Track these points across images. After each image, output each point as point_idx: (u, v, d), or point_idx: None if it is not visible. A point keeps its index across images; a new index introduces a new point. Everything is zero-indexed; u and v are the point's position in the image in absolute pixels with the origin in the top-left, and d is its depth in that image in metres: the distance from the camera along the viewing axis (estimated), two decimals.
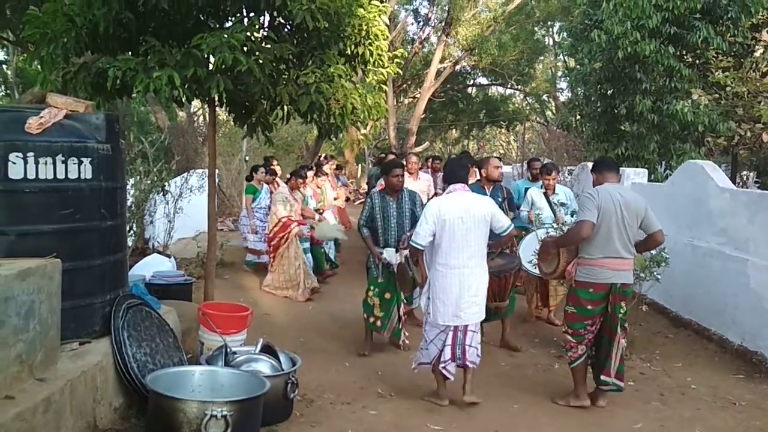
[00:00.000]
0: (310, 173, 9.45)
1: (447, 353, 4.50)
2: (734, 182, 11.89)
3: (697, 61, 11.23)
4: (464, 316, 4.48)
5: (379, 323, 5.73)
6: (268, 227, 8.26)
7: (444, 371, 4.51)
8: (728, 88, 9.24)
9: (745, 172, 13.76)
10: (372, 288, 5.74)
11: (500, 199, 6.14)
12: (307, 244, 8.34)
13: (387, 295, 5.70)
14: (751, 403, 4.83)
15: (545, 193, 7.05)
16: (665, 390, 5.09)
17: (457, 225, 4.42)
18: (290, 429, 4.10)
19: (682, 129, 10.74)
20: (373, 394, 4.84)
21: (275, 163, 10.64)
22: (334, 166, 12.80)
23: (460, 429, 4.28)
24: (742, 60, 10.69)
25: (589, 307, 4.55)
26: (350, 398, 4.72)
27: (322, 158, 13.40)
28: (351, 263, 9.60)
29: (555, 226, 6.44)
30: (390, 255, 5.63)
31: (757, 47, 11.88)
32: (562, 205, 6.91)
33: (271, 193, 9.38)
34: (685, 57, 11.14)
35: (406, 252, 5.39)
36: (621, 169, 9.24)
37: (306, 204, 8.68)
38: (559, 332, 5.63)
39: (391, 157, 9.62)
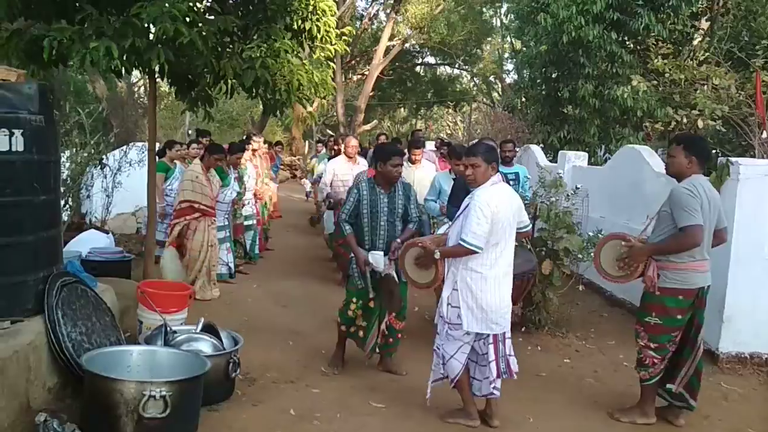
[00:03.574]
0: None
1: (493, 371, 3.93)
2: None
3: (638, 48, 11.54)
4: (503, 323, 3.92)
5: (362, 333, 4.80)
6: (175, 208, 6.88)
7: (495, 391, 3.98)
8: (666, 75, 9.53)
9: None
10: (355, 300, 4.76)
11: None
12: (222, 234, 7.27)
13: (371, 304, 4.77)
14: None
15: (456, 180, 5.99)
16: (599, 367, 5.28)
17: (508, 222, 3.84)
18: (231, 408, 4.07)
19: (622, 114, 11.04)
20: (316, 373, 4.85)
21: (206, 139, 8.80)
22: (259, 143, 9.52)
23: (402, 406, 4.33)
24: (680, 48, 11.03)
25: (679, 316, 4.08)
26: (293, 377, 4.71)
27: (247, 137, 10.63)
28: (289, 248, 9.57)
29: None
30: (377, 260, 4.63)
31: (696, 35, 12.27)
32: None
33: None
34: (627, 43, 11.42)
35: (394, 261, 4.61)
36: (562, 152, 9.52)
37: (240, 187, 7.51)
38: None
39: (356, 141, 8.38)
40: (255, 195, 8.61)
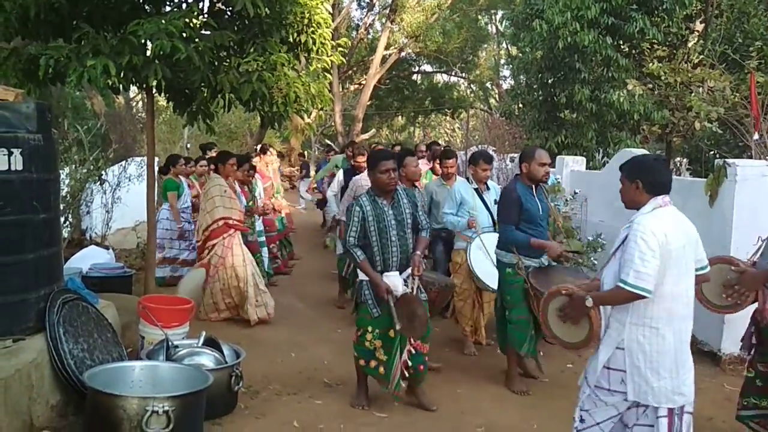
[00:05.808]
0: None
1: None
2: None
3: (633, 51, 11.57)
4: (687, 391, 3.00)
5: (383, 369, 4.26)
6: (198, 231, 6.39)
7: None
8: (662, 78, 9.57)
9: (678, 159, 14.31)
10: (370, 329, 4.26)
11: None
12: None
13: (391, 333, 4.21)
14: None
15: (477, 190, 5.70)
16: None
17: (682, 257, 2.96)
18: (235, 422, 4.08)
19: (619, 117, 11.07)
20: (319, 384, 4.85)
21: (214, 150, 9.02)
22: (271, 154, 10.22)
23: (405, 415, 4.33)
24: (675, 50, 11.06)
25: None
26: (296, 388, 4.72)
27: (259, 148, 10.73)
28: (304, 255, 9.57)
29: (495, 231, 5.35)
30: (394, 282, 4.18)
31: (690, 37, 12.31)
32: (496, 203, 5.39)
33: (190, 187, 7.92)
34: (622, 47, 11.45)
35: (418, 277, 4.19)
36: (560, 157, 9.55)
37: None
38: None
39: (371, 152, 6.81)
40: (274, 209, 8.47)
